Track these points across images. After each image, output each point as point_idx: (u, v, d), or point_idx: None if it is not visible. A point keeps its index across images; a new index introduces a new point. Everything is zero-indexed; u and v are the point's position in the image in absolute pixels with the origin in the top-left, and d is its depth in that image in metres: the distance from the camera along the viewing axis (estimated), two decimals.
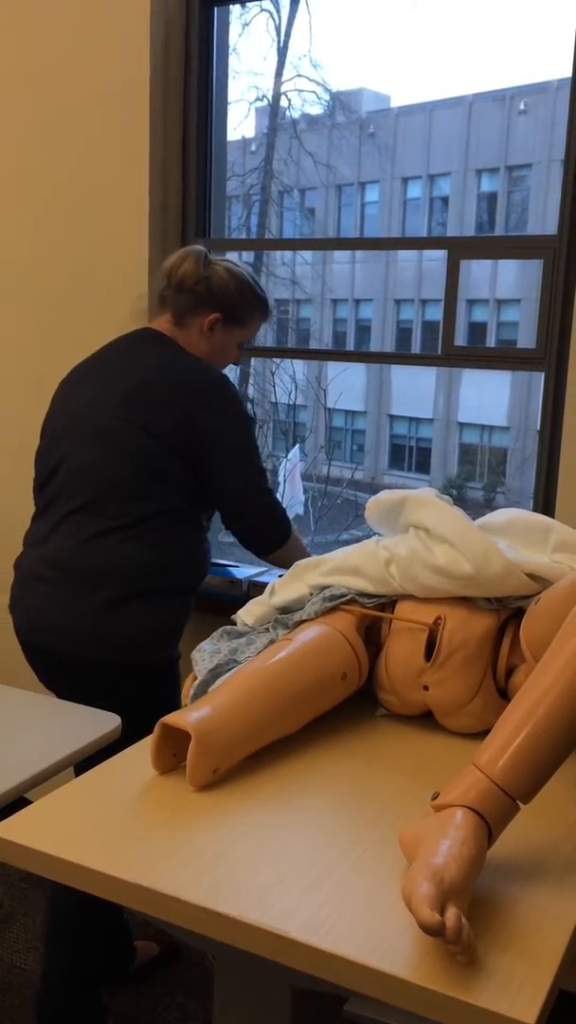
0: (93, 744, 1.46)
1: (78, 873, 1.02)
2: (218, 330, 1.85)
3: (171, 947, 2.19)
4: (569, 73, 1.91)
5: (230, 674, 1.33)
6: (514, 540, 1.46)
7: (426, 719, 1.39)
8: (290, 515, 1.88)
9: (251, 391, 7.43)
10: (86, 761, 1.41)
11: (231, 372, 2.04)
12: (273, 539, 1.84)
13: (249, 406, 7.36)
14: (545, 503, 2.01)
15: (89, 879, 1.02)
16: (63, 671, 1.80)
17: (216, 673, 1.39)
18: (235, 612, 1.58)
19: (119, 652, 1.75)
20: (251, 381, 7.28)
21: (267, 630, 1.49)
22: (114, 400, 1.76)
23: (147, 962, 2.15)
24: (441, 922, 0.83)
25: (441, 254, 2.07)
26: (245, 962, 1.04)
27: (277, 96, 9.54)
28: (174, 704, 1.82)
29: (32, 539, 1.85)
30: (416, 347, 13.68)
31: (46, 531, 1.81)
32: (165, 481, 1.75)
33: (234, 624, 1.56)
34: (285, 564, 1.90)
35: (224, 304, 1.84)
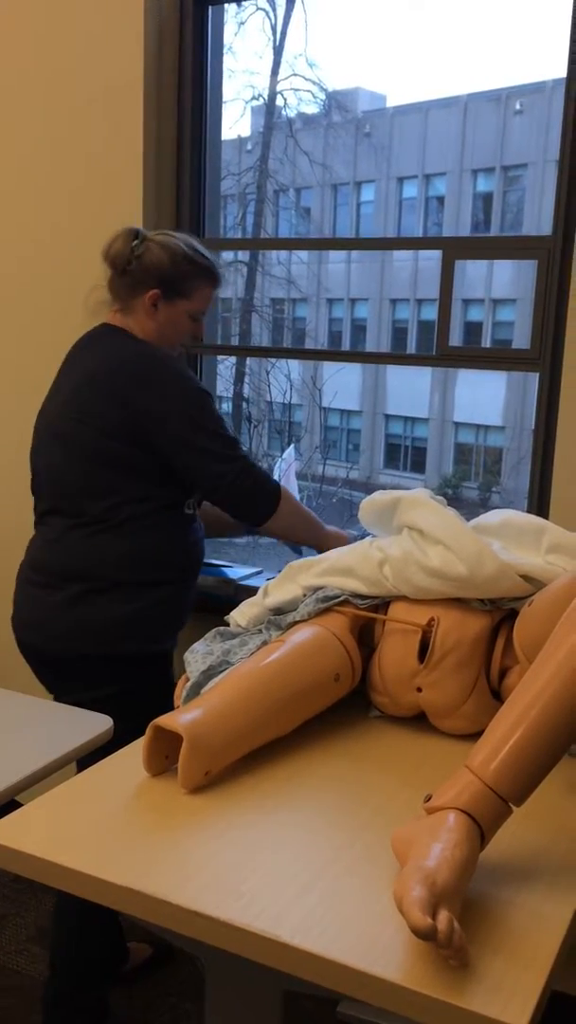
0: (84, 746, 1.46)
1: (67, 876, 1.01)
2: (161, 306, 1.82)
3: (164, 948, 2.19)
4: (564, 73, 1.90)
5: (223, 676, 1.33)
6: (508, 541, 1.45)
7: (419, 721, 1.39)
8: None
9: (247, 390, 7.42)
10: (91, 757, 1.40)
11: (228, 370, 2.03)
12: (260, 507, 1.78)
13: (244, 405, 7.37)
14: (539, 503, 2.01)
15: (77, 882, 1.01)
16: (50, 668, 1.83)
17: (209, 675, 1.39)
18: (228, 613, 1.58)
19: (92, 644, 1.76)
20: (246, 380, 7.27)
21: (260, 631, 1.48)
22: (63, 401, 1.80)
23: (140, 964, 2.14)
24: (433, 926, 0.83)
25: (437, 254, 2.07)
26: (236, 965, 1.04)
27: (273, 95, 9.52)
28: (164, 701, 1.81)
29: (28, 544, 1.90)
30: (411, 347, 13.68)
31: (33, 535, 1.88)
32: (125, 472, 1.75)
33: (227, 625, 1.55)
34: (285, 536, 1.88)
35: (160, 278, 1.81)
